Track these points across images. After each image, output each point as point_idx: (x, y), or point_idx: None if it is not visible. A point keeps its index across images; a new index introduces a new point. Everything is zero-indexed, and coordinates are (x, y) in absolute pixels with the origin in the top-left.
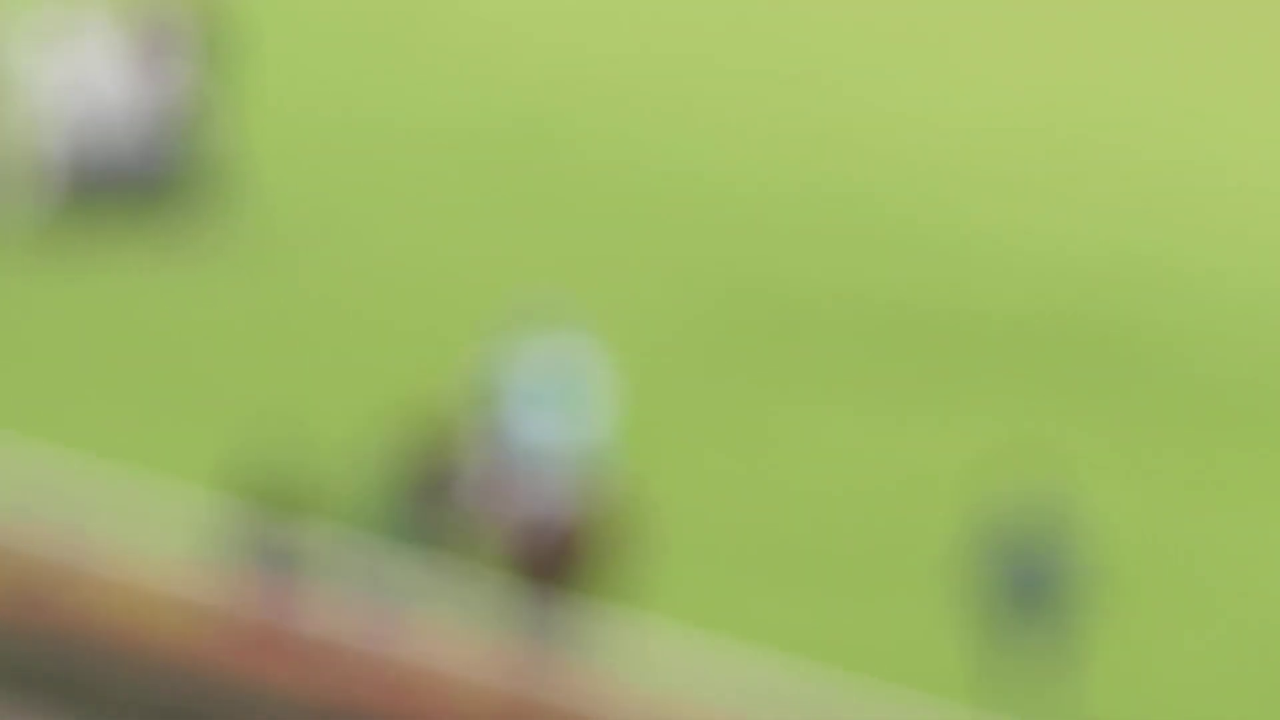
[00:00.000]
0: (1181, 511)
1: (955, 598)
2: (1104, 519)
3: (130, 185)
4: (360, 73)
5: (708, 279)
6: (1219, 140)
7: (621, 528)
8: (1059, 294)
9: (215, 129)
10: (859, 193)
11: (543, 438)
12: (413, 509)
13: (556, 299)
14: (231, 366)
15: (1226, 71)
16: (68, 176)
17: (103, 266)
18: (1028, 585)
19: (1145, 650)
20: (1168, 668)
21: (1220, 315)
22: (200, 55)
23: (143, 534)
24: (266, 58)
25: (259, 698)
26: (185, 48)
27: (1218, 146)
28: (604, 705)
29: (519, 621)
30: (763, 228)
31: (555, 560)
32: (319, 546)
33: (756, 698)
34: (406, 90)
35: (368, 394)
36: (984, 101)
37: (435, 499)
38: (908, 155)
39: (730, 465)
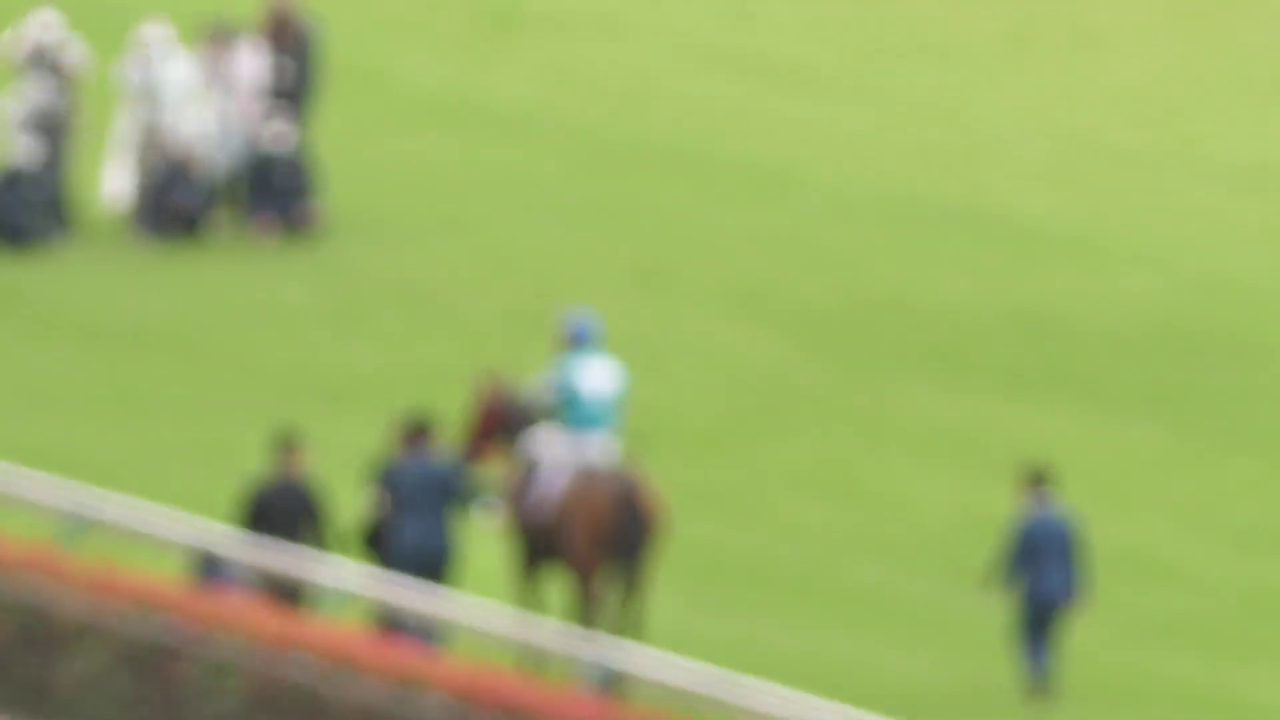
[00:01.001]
0: None
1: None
2: None
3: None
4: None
5: (815, 287)
6: None
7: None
8: (1191, 309)
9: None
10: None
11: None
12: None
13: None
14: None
15: None
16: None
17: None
18: None
19: None
20: None
21: None
22: (300, 55)
23: None
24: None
25: None
26: (291, 47)
27: None
28: None
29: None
30: (887, 240)
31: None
32: None
33: None
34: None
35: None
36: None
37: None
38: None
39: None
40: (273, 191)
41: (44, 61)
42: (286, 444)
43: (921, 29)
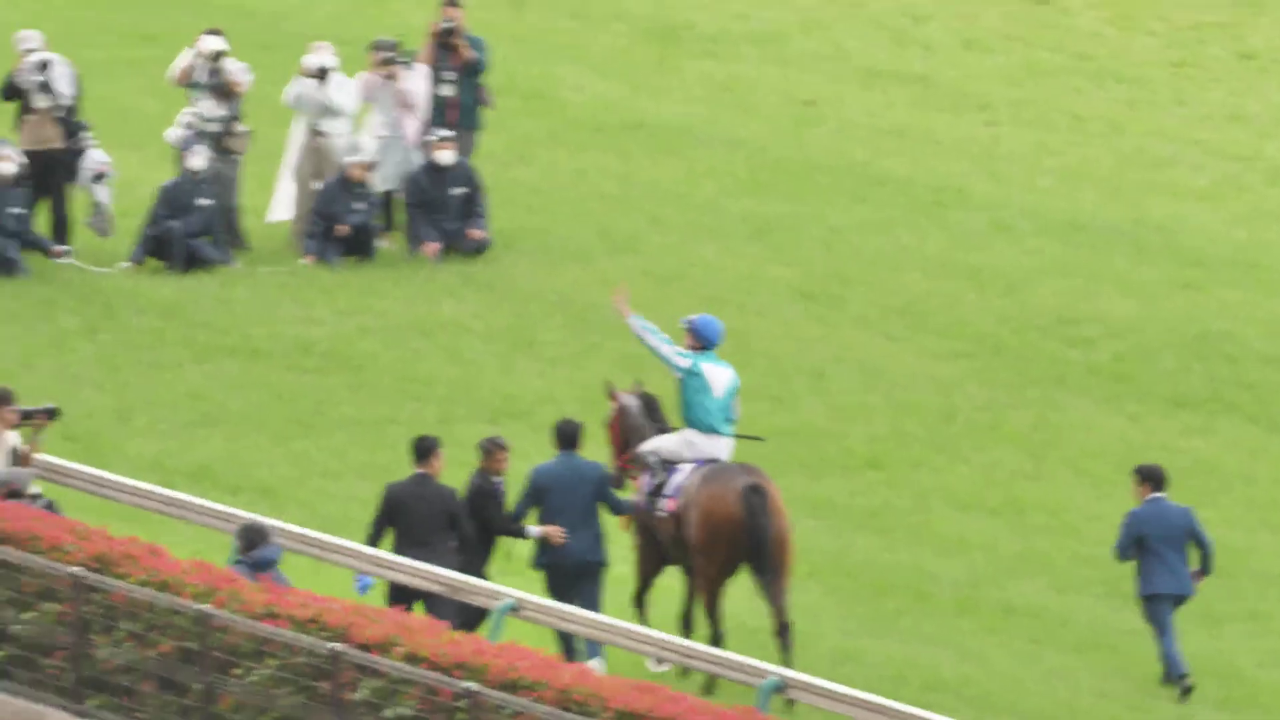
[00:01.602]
0: None
1: None
2: None
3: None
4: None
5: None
6: None
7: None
8: None
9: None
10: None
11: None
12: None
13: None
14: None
15: None
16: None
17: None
18: None
19: None
20: None
21: None
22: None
23: None
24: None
25: None
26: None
27: None
28: None
29: None
30: (1050, 259)
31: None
32: None
33: None
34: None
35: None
36: None
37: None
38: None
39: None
40: (438, 211)
41: (212, 82)
42: (423, 449)
43: (1084, 48)
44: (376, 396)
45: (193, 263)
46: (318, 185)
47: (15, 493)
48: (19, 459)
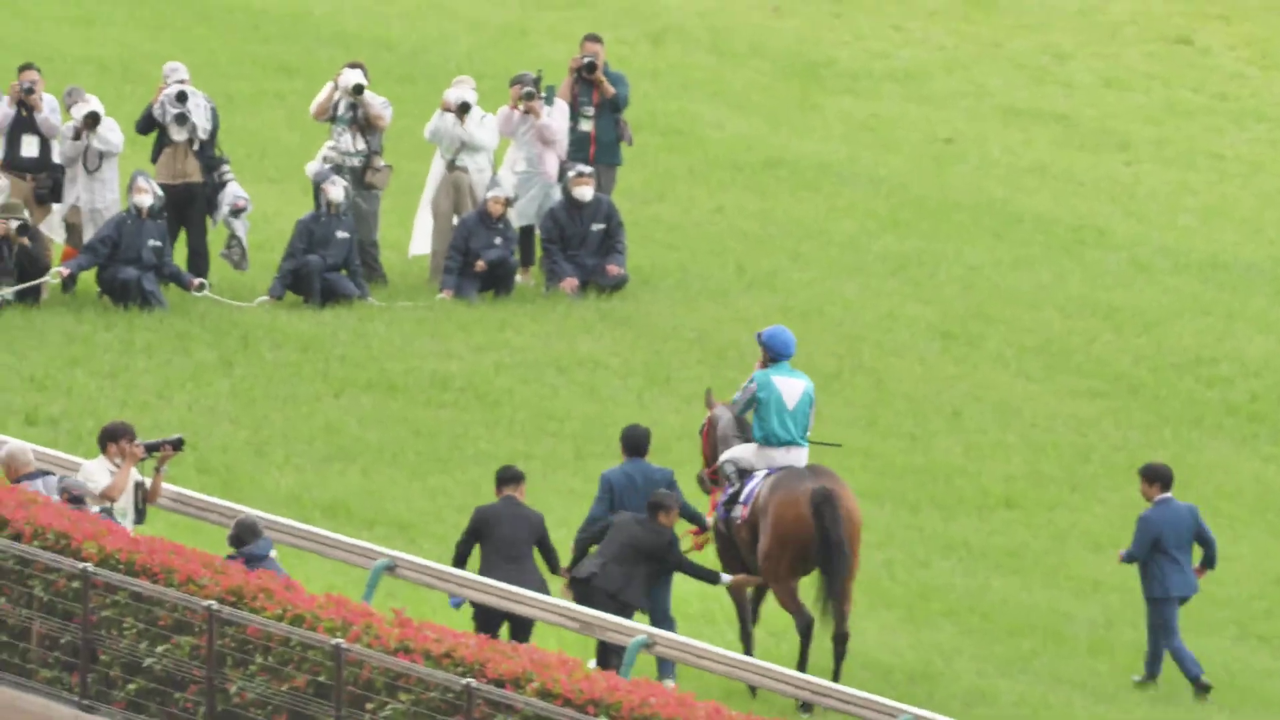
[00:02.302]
0: None
1: None
2: None
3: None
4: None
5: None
6: None
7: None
8: None
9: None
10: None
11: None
12: None
13: None
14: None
15: None
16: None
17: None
18: None
19: None
20: None
21: None
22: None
23: None
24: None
25: None
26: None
27: None
28: None
29: None
30: (1188, 298)
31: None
32: None
33: None
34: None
35: None
36: None
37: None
38: None
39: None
40: (576, 246)
41: (352, 115)
42: (512, 476)
43: (1225, 88)
44: (512, 432)
45: (330, 297)
46: (456, 220)
47: (77, 499)
48: (144, 493)
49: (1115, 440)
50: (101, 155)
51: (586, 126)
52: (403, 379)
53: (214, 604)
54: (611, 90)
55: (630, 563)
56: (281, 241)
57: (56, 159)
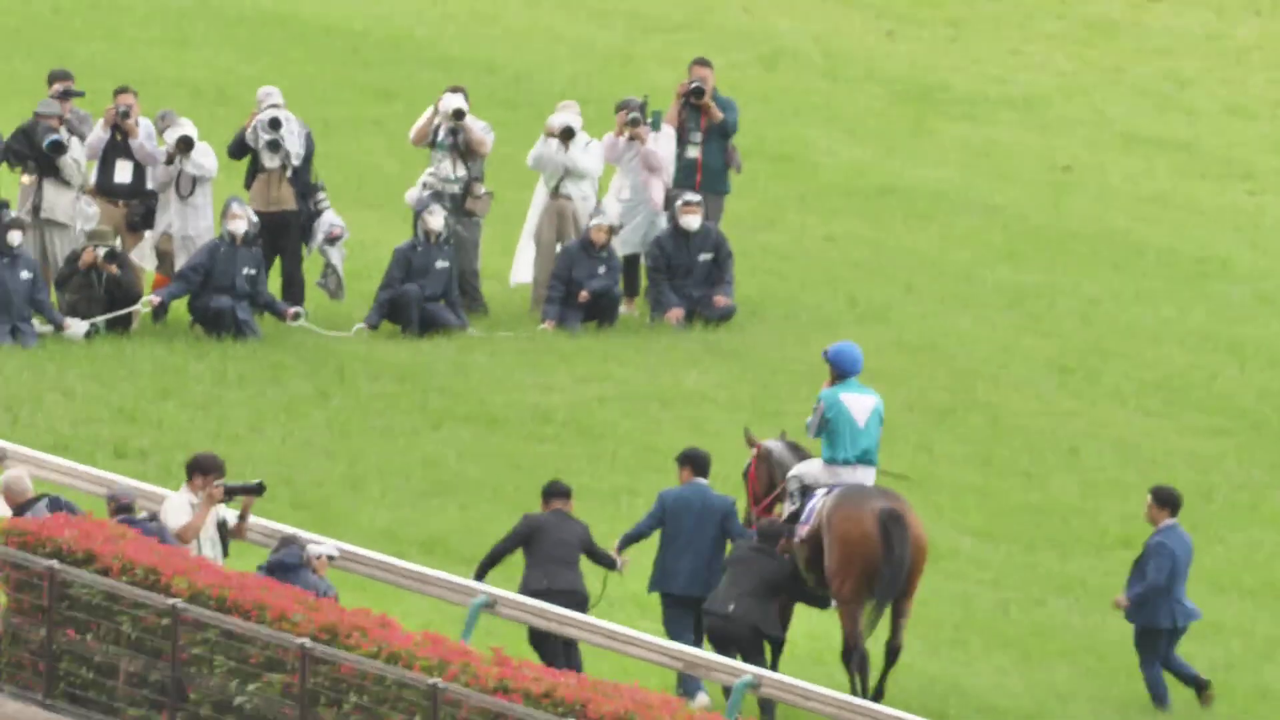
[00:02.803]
0: None
1: None
2: None
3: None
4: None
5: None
6: None
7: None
8: None
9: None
10: None
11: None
12: None
13: None
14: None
15: None
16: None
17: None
18: None
19: None
20: None
21: None
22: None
23: None
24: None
25: None
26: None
27: None
28: None
29: None
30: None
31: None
32: None
33: None
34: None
35: None
36: None
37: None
38: None
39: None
40: (683, 276)
41: (452, 141)
42: (559, 491)
43: None
44: (615, 467)
45: (429, 327)
46: (559, 249)
47: (125, 507)
48: (229, 533)
49: (1238, 479)
50: (195, 181)
51: (694, 153)
52: (503, 412)
53: (307, 641)
54: (720, 115)
55: (765, 595)
56: (380, 270)
57: (150, 185)
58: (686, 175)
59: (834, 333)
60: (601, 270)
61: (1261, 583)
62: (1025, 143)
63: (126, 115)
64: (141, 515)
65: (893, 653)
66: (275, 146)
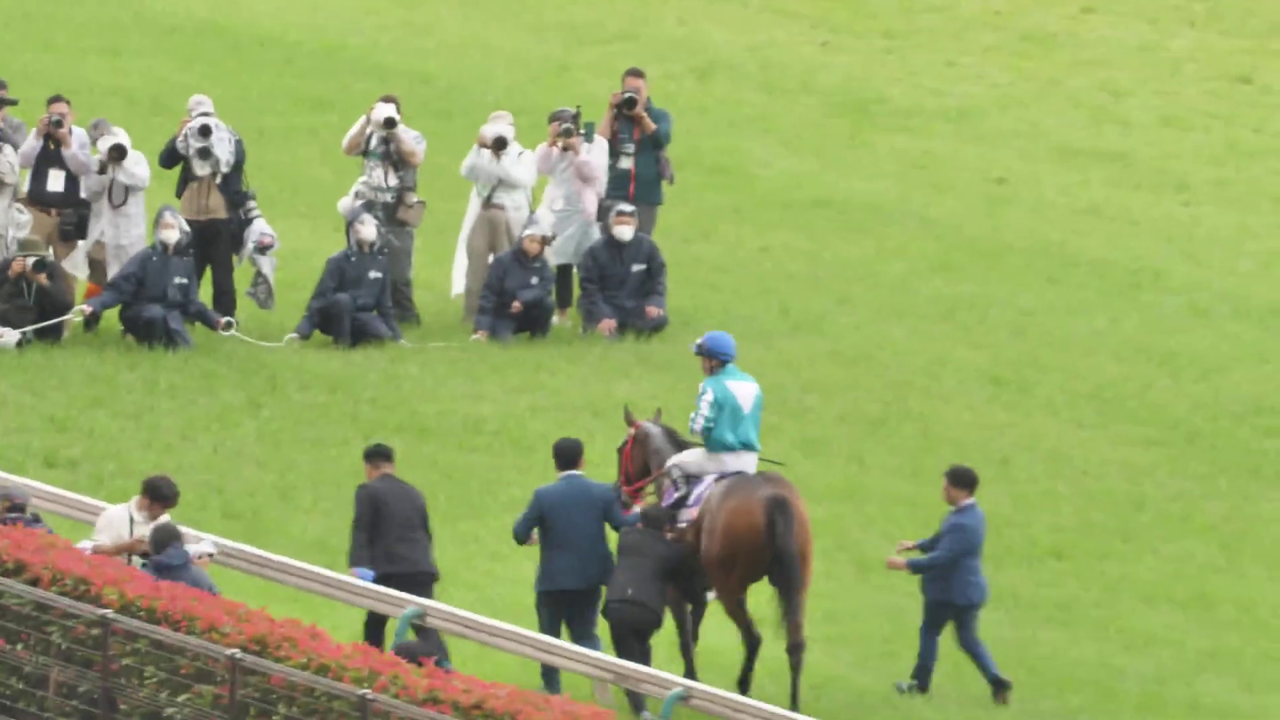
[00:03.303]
0: None
1: None
2: None
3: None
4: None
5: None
6: None
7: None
8: None
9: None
10: None
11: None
12: None
13: None
14: None
15: None
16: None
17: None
18: None
19: None
20: None
21: None
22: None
23: None
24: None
25: None
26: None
27: None
28: None
29: None
30: (1246, 345)
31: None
32: None
33: None
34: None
35: None
36: None
37: None
38: None
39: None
40: (615, 287)
41: (384, 150)
42: (380, 454)
43: None
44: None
45: (360, 337)
46: (491, 259)
47: (17, 507)
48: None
49: (1170, 490)
50: (127, 190)
51: (627, 164)
52: (434, 422)
53: (237, 652)
54: (652, 126)
55: (662, 578)
56: (312, 279)
57: (83, 194)
58: (619, 186)
59: (768, 344)
60: (534, 280)
61: (1193, 594)
62: (961, 154)
63: (59, 124)
64: (29, 515)
65: (795, 651)
66: (206, 154)
